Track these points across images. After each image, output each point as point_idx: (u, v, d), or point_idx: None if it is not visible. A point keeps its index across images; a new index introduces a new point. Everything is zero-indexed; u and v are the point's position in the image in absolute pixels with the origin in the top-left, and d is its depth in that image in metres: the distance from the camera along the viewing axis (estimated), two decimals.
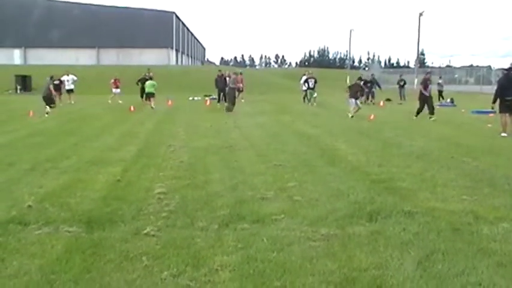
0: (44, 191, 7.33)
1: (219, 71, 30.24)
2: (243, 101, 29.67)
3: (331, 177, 8.28)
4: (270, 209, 6.37)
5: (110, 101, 28.77)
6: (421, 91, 19.62)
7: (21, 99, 31.90)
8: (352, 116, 19.56)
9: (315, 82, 27.95)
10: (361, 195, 6.99)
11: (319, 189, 7.46)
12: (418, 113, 19.45)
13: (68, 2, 74.30)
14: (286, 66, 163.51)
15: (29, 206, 6.44)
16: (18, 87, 42.80)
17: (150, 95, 25.10)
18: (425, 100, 19.37)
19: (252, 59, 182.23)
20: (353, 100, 20.25)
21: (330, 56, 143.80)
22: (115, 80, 30.23)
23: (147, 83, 25.89)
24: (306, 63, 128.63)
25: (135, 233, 5.41)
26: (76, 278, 4.28)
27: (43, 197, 6.99)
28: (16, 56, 72.83)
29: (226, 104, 23.71)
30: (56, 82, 27.62)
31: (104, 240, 5.19)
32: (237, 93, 28.61)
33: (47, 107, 21.91)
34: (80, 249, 4.92)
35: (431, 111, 19.16)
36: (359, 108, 20.19)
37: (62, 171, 8.82)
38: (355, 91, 20.72)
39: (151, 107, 23.99)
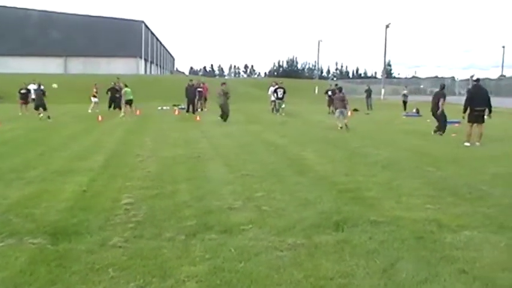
0: (7, 202, 7.20)
1: (190, 80, 30.22)
2: (205, 110, 29.68)
3: (298, 187, 8.35)
4: (237, 218, 6.39)
5: (90, 111, 28.21)
6: (436, 105, 17.77)
7: None
8: (341, 127, 18.80)
9: (284, 92, 28.10)
10: (328, 205, 7.06)
11: (286, 199, 7.51)
12: (440, 129, 17.62)
13: (35, 10, 73.27)
14: (255, 76, 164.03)
15: None
16: None
17: (130, 102, 25.81)
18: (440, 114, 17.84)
19: (222, 68, 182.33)
20: (342, 111, 19.64)
21: (299, 66, 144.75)
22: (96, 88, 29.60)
23: (127, 90, 26.10)
24: (275, 73, 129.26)
25: (101, 244, 5.36)
26: None
27: (7, 208, 6.86)
28: None
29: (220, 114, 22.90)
30: (23, 91, 27.26)
31: (69, 252, 5.12)
32: (199, 102, 28.77)
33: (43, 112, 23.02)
34: (45, 261, 4.84)
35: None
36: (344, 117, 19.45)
37: (28, 182, 8.67)
38: (342, 101, 20.02)
39: (122, 115, 24.47)
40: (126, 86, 27.00)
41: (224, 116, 22.58)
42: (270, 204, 7.16)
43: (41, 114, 22.95)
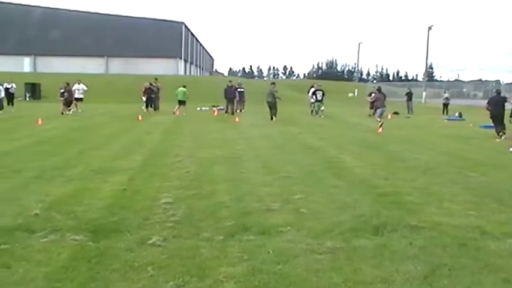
0: (50, 199, 7.35)
1: (230, 81, 30.33)
2: (244, 111, 29.81)
3: (337, 190, 8.28)
4: (275, 220, 6.37)
5: (143, 108, 28.84)
6: (502, 109, 17.62)
7: (30, 106, 32.07)
8: (381, 125, 19.80)
9: (323, 94, 28.00)
10: (367, 209, 6.98)
11: (324, 201, 7.45)
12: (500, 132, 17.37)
13: (78, 11, 74.94)
14: (294, 77, 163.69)
15: (36, 214, 6.47)
16: (28, 94, 43.13)
17: (182, 103, 28.12)
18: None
19: (260, 70, 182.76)
20: (383, 110, 21.74)
21: (338, 68, 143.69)
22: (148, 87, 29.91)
23: (179, 90, 28.28)
24: (314, 75, 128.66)
25: (140, 243, 5.42)
26: (81, 287, 4.29)
27: (50, 205, 7.01)
28: (26, 64, 73.34)
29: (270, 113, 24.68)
30: (62, 90, 27.90)
31: (109, 249, 5.20)
32: (237, 103, 28.96)
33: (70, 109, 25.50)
34: (86, 258, 4.93)
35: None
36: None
37: (68, 180, 8.84)
38: (383, 101, 22.46)
39: (173, 113, 26.97)
40: (184, 86, 29.26)
41: (271, 114, 24.27)
42: (308, 206, 7.12)
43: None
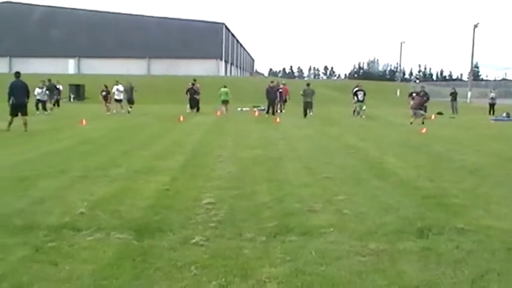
0: (95, 198, 7.49)
1: (271, 82, 30.30)
2: (284, 111, 29.77)
3: (380, 191, 8.16)
4: (318, 221, 6.32)
5: (188, 109, 29.21)
6: None
7: (74, 107, 32.83)
8: (411, 123, 21.73)
9: (364, 94, 27.73)
10: (411, 210, 6.85)
11: (367, 203, 7.36)
12: None
13: (120, 14, 76.40)
14: (335, 78, 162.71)
15: (81, 213, 6.59)
16: (72, 95, 44.17)
17: (225, 103, 29.28)
18: None
19: (301, 70, 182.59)
20: (416, 112, 23.06)
21: (380, 68, 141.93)
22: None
23: (223, 90, 29.50)
24: (355, 75, 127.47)
25: (183, 242, 5.46)
26: (126, 285, 4.35)
27: (94, 204, 7.14)
28: (70, 66, 75.31)
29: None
30: (104, 93, 28.50)
31: (153, 248, 5.26)
32: (278, 103, 29.05)
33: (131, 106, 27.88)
34: (130, 256, 5.00)
35: None
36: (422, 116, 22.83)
37: (112, 179, 9.00)
38: (419, 103, 23.76)
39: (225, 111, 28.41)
40: (225, 86, 30.10)
41: (305, 112, 26.76)
42: (351, 207, 7.04)
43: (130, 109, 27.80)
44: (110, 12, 76.86)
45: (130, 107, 29.02)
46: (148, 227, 5.99)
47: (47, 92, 28.67)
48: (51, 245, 5.34)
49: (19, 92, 17.14)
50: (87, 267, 4.71)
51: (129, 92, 29.77)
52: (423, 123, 20.67)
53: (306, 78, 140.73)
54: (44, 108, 28.15)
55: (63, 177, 9.11)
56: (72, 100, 43.14)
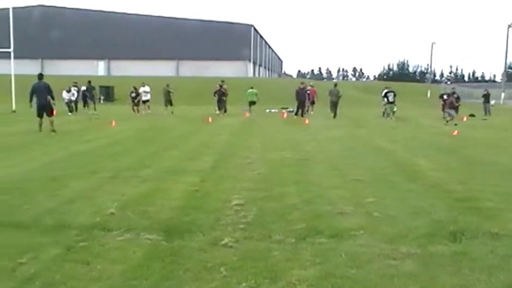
0: (125, 199, 7.55)
1: (302, 83, 30.17)
2: (312, 113, 29.63)
3: (410, 194, 8.04)
4: (347, 224, 6.25)
5: (216, 110, 29.30)
6: None
7: (103, 108, 33.20)
8: (447, 122, 22.80)
9: (394, 96, 27.43)
10: (443, 214, 6.72)
11: (398, 205, 7.25)
12: None
13: (149, 16, 77.17)
14: (364, 79, 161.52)
15: (112, 213, 6.66)
16: (102, 97, 44.75)
17: (252, 104, 29.44)
18: None
19: (330, 71, 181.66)
20: (449, 112, 23.74)
21: (410, 69, 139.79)
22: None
23: (250, 91, 29.69)
24: (385, 77, 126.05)
25: (213, 243, 5.46)
26: (156, 285, 4.36)
27: (124, 204, 7.20)
28: (100, 68, 76.34)
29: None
30: (133, 95, 28.73)
31: (182, 249, 5.27)
32: (308, 105, 28.94)
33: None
34: (160, 257, 5.01)
35: None
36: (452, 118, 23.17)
37: (142, 180, 9.06)
38: (451, 103, 24.46)
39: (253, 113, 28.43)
40: (251, 88, 30.20)
41: (334, 112, 27.44)
42: (381, 210, 6.95)
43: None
44: (139, 15, 77.69)
45: (172, 111, 29.19)
46: (178, 228, 6.01)
47: (87, 93, 29.24)
48: (83, 244, 5.40)
49: (42, 93, 17.28)
50: (117, 267, 4.75)
51: (167, 94, 30.08)
52: (456, 124, 20.50)
53: (334, 80, 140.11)
54: (76, 109, 28.60)
55: (93, 178, 9.22)
56: (101, 101, 43.68)
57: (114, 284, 4.39)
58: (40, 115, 17.29)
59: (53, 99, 17.60)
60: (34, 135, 16.46)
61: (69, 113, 27.66)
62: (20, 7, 60.32)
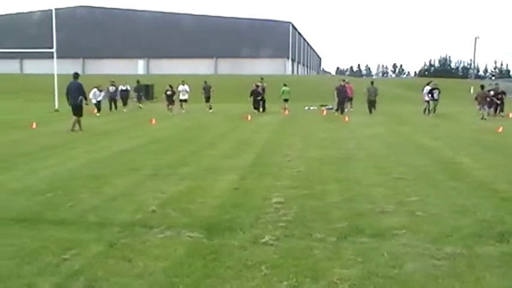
0: (165, 196, 7.64)
1: (343, 80, 29.86)
2: (351, 109, 29.32)
3: (454, 193, 7.87)
4: (390, 223, 6.16)
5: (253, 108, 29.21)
6: None
7: (143, 106, 33.57)
8: (482, 118, 23.32)
9: (439, 93, 26.87)
10: (490, 213, 6.55)
11: (442, 204, 7.10)
12: None
13: (187, 14, 77.75)
14: (404, 75, 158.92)
15: (153, 211, 6.75)
16: (141, 95, 45.27)
17: (287, 101, 29.52)
18: None
19: (369, 68, 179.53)
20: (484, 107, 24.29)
21: (452, 65, 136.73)
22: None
23: (284, 89, 29.78)
24: (426, 73, 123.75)
25: (253, 241, 5.46)
26: (198, 283, 4.39)
27: (165, 202, 7.28)
28: (140, 66, 77.27)
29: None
30: (169, 93, 28.77)
31: (223, 247, 5.28)
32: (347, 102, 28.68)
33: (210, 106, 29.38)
34: (201, 255, 5.04)
35: None
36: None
37: (182, 178, 9.14)
38: (484, 98, 24.75)
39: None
40: (285, 85, 30.17)
41: (370, 109, 27.90)
42: (424, 209, 6.82)
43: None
44: (177, 13, 78.28)
45: (210, 107, 29.37)
46: (218, 226, 6.04)
47: (137, 93, 29.55)
48: (124, 241, 5.48)
49: (73, 93, 17.40)
50: (159, 264, 4.80)
51: (207, 90, 30.30)
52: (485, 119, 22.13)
53: (373, 77, 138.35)
54: (116, 107, 28.97)
55: (134, 175, 9.36)
56: (142, 99, 44.24)
57: (157, 281, 4.43)
58: (74, 114, 17.41)
59: (85, 99, 17.69)
60: (76, 134, 16.77)
61: (97, 113, 26.82)
62: (62, 8, 61.53)
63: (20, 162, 10.84)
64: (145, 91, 46.11)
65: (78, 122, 17.41)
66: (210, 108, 29.22)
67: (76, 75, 17.91)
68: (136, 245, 5.39)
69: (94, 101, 25.56)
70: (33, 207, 6.97)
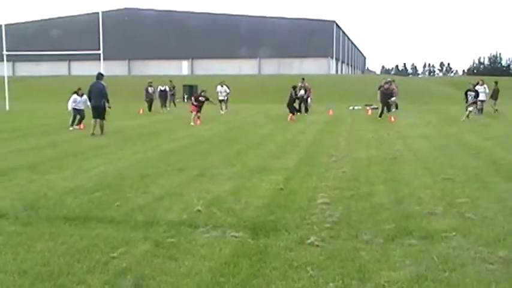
0: (211, 196, 7.67)
1: (388, 80, 29.40)
2: (393, 110, 28.83)
3: (508, 195, 7.61)
4: (439, 225, 6.02)
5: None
6: None
7: (188, 107, 33.88)
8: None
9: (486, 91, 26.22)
10: None
11: (494, 207, 6.88)
12: None
13: (231, 15, 78.17)
14: (452, 74, 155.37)
15: (198, 210, 6.79)
16: (186, 96, 45.81)
17: None
18: None
19: (415, 67, 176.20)
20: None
21: (503, 62, 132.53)
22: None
23: None
24: (474, 71, 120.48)
25: (299, 242, 5.42)
26: (244, 283, 4.38)
27: (211, 201, 7.31)
28: (184, 67, 78.15)
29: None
30: (202, 99, 28.76)
31: (269, 248, 5.26)
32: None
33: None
34: (247, 255, 5.04)
35: None
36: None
37: (227, 178, 9.17)
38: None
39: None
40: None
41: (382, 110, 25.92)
42: (475, 211, 6.63)
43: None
44: (220, 14, 78.81)
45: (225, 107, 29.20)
46: (264, 226, 6.02)
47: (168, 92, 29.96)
48: (171, 240, 5.53)
49: (95, 95, 16.91)
50: (205, 264, 4.82)
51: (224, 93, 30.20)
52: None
53: (420, 76, 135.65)
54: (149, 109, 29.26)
55: (181, 175, 9.44)
56: (186, 100, 44.69)
57: (203, 280, 4.45)
58: (93, 116, 16.85)
59: (107, 101, 16.95)
60: (122, 134, 17.08)
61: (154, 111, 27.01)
62: (108, 11, 62.84)
63: (70, 161, 11.11)
64: (189, 91, 46.72)
65: (100, 125, 16.84)
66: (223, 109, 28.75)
67: (99, 76, 17.31)
68: (183, 244, 5.43)
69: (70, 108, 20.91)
70: (82, 206, 7.13)
